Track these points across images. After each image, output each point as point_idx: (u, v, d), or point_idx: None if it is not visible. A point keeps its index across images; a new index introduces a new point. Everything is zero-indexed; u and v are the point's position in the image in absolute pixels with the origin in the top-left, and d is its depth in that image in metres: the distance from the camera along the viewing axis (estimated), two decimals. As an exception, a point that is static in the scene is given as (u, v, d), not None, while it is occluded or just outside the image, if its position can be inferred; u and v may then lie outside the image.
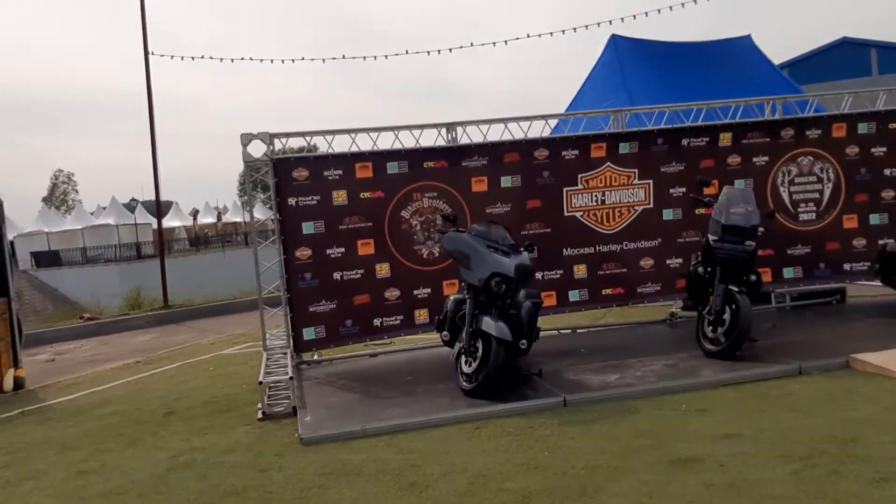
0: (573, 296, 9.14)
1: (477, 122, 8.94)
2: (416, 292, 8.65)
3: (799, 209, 9.52)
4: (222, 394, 7.85)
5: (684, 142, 9.27)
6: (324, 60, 17.45)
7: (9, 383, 9.39)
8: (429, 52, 21.45)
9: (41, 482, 5.49)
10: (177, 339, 13.86)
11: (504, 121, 9.01)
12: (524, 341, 6.67)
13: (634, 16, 14.97)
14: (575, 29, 17.25)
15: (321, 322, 8.40)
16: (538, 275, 8.86)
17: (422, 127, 8.78)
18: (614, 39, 13.87)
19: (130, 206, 46.04)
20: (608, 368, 7.08)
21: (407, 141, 8.74)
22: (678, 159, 9.25)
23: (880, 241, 9.30)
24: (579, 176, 9.08)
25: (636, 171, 9.18)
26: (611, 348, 8.06)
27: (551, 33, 17.25)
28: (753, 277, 7.30)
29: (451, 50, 16.98)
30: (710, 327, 7.25)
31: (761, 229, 7.41)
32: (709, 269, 7.51)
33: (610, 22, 15.43)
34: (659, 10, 15.05)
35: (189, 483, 5.11)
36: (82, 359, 12.63)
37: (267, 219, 8.98)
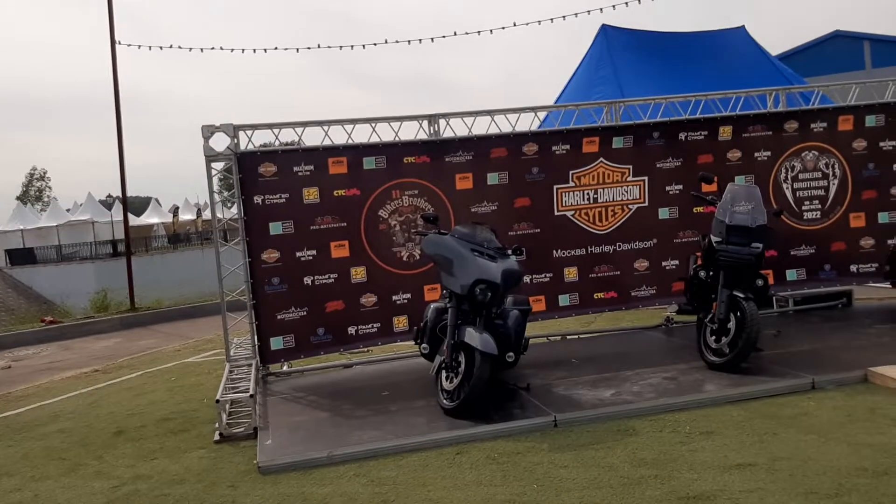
0: (563, 300, 8.54)
1: (461, 114, 8.31)
2: (394, 298, 8.01)
3: (803, 207, 8.94)
4: (179, 410, 7.18)
5: (682, 136, 8.68)
6: (297, 50, 16.71)
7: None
8: (409, 42, 20.70)
9: (-39, 519, 4.83)
10: (141, 344, 13.12)
11: (490, 113, 8.38)
12: (511, 354, 6.05)
13: (627, 2, 14.20)
14: (564, 17, 16.59)
15: (290, 331, 7.76)
16: (526, 278, 8.27)
17: (401, 119, 8.14)
18: (604, 29, 13.26)
19: (107, 203, 45.15)
20: (602, 382, 6.46)
21: (385, 134, 8.12)
22: (675, 154, 8.65)
23: (891, 242, 8.75)
24: (570, 172, 8.47)
25: (630, 167, 8.58)
26: (604, 358, 7.46)
27: (539, 22, 16.56)
28: (760, 282, 6.71)
29: (432, 39, 16.42)
30: (713, 337, 6.65)
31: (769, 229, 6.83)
32: (711, 273, 6.92)
33: (601, 10, 14.73)
34: (652, -1, 14.37)
35: (126, 523, 4.46)
36: (39, 366, 11.88)
37: (228, 218, 8.28)
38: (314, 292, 7.79)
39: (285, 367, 8.17)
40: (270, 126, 7.91)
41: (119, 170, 19.07)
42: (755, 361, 6.53)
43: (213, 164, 7.74)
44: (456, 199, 8.15)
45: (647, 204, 8.63)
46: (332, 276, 7.83)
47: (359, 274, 7.92)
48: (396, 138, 8.06)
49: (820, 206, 8.97)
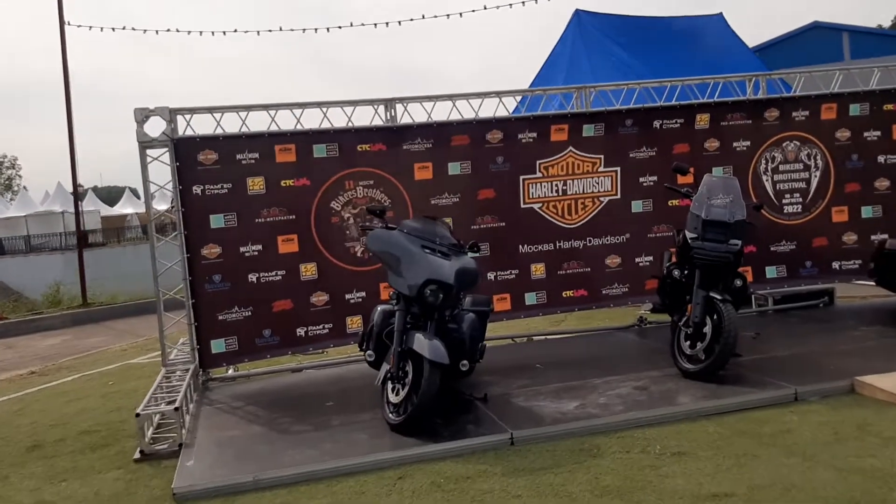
0: (530, 298, 7.98)
1: (420, 98, 7.73)
2: (347, 297, 7.42)
3: (783, 200, 8.46)
4: (107, 421, 6.54)
5: (656, 124, 8.15)
6: (258, 33, 15.76)
7: None
8: (375, 25, 20.01)
9: None
10: (89, 342, 12.39)
11: (452, 98, 7.81)
12: (465, 362, 5.48)
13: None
14: (536, 0, 15.95)
15: (233, 332, 7.14)
16: (490, 275, 7.77)
17: (355, 103, 7.53)
18: (578, 14, 12.74)
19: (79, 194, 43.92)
20: (567, 392, 5.91)
21: (338, 120, 7.50)
22: (649, 144, 8.12)
23: (876, 238, 8.28)
24: (538, 162, 7.92)
25: (602, 156, 8.05)
26: (571, 362, 6.92)
27: (511, 5, 15.92)
28: (739, 282, 6.19)
29: (399, 23, 15.48)
30: (688, 342, 6.12)
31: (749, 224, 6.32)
32: (686, 272, 6.39)
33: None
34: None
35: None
36: (-28, 367, 11.16)
37: (164, 210, 7.65)
38: (259, 291, 7.18)
39: (231, 372, 7.57)
40: (210, 110, 7.27)
41: (69, 157, 18.36)
42: (733, 369, 6.01)
43: (149, 152, 7.10)
44: (414, 191, 7.57)
45: (619, 196, 8.11)
46: (279, 273, 7.23)
47: (308, 271, 7.32)
48: (350, 124, 7.46)
49: (801, 200, 8.49)
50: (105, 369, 9.26)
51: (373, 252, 5.93)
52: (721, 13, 13.67)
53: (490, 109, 7.93)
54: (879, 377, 5.43)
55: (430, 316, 5.46)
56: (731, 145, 8.30)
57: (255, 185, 7.17)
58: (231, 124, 7.37)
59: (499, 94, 7.98)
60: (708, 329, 5.98)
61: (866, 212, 8.52)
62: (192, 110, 7.22)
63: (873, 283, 8.17)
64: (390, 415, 5.29)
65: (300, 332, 7.32)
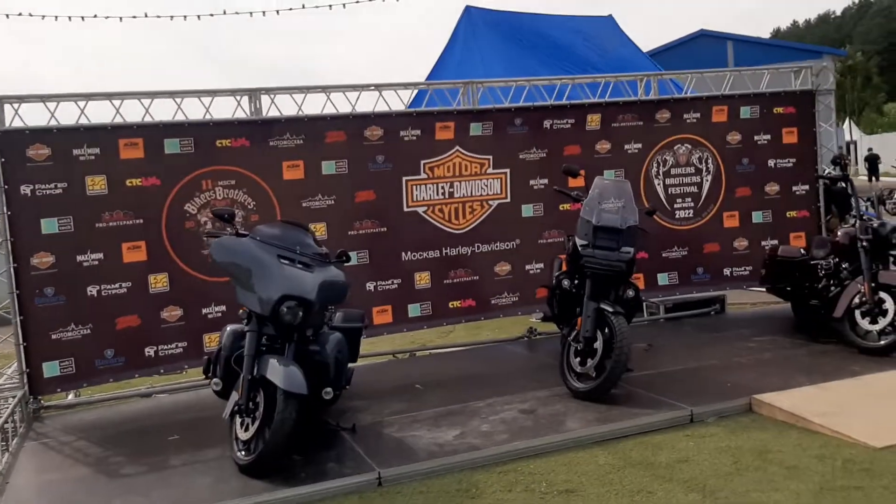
0: (413, 310, 7.36)
1: (289, 89, 6.98)
2: (205, 311, 6.59)
3: (675, 205, 8.17)
4: None
5: (546, 123, 7.69)
6: (121, 19, 14.30)
7: None
8: (251, 14, 18.73)
9: None
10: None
11: (325, 90, 7.11)
12: (329, 390, 4.78)
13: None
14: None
15: (69, 353, 6.19)
16: (370, 285, 7.11)
17: (213, 93, 6.71)
18: (468, 10, 12.26)
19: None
20: (446, 418, 5.30)
21: (194, 112, 6.66)
22: (539, 145, 7.66)
23: (766, 244, 8.10)
24: (422, 162, 7.32)
25: (490, 157, 7.52)
26: (455, 382, 6.33)
27: (396, -1, 15.25)
28: (631, 293, 5.76)
29: (278, 12, 14.46)
30: (578, 358, 5.64)
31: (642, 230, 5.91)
32: (576, 282, 5.92)
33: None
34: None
35: None
36: None
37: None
38: (101, 305, 6.26)
39: (70, 398, 6.61)
40: (43, 98, 6.31)
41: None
42: (625, 386, 5.57)
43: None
44: (283, 192, 6.82)
45: (508, 200, 7.61)
46: (123, 285, 6.33)
47: (159, 282, 6.45)
48: (207, 116, 6.63)
49: (693, 204, 8.22)
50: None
51: (218, 263, 5.09)
52: (611, 15, 13.53)
53: (368, 104, 7.30)
54: (777, 395, 5.08)
55: (289, 337, 4.74)
56: (623, 147, 7.95)
57: (96, 184, 6.25)
58: (70, 116, 6.43)
59: (378, 86, 7.34)
60: (599, 344, 5.52)
61: (757, 217, 8.33)
62: (22, 98, 6.25)
63: (764, 290, 7.99)
64: (239, 453, 4.53)
65: (149, 351, 6.44)
